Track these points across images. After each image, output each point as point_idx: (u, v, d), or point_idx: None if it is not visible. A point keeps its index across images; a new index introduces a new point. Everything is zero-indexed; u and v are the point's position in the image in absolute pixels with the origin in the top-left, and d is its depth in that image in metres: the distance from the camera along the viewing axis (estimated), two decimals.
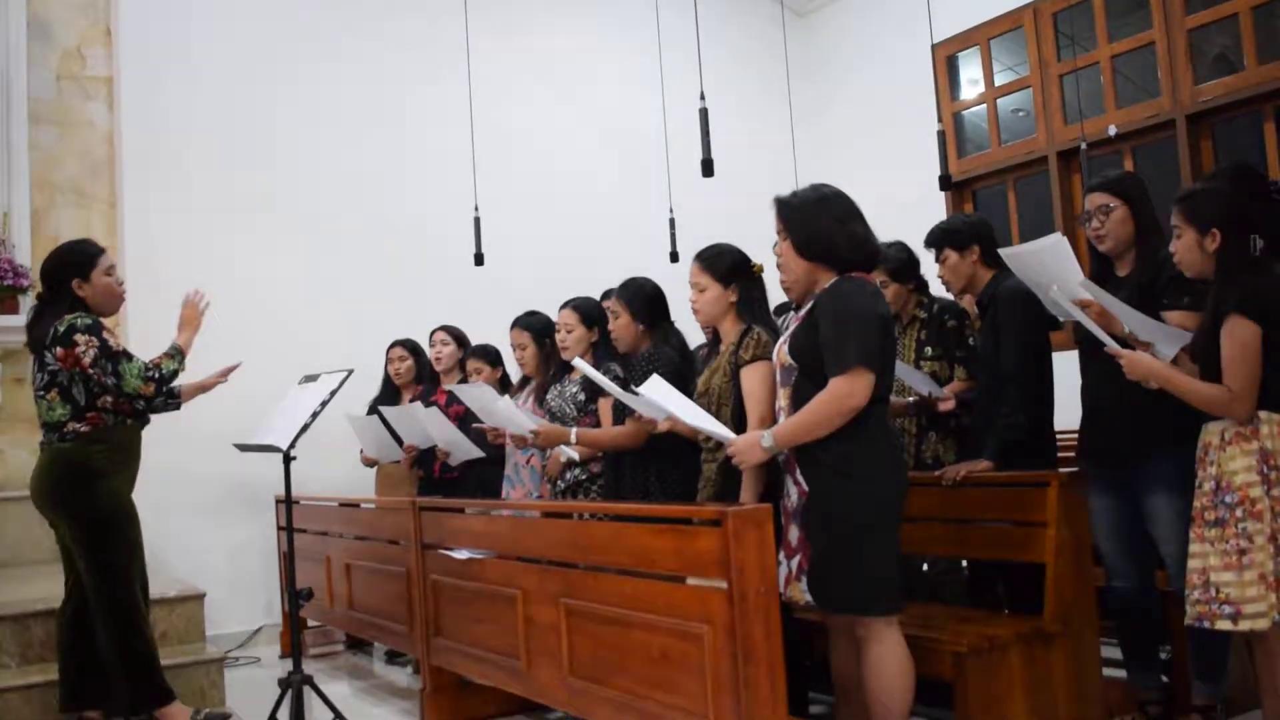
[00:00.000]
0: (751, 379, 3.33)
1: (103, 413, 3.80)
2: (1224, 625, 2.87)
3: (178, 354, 3.90)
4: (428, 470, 5.34)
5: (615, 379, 3.82)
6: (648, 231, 6.61)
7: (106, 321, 3.92)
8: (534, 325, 4.70)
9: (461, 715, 4.33)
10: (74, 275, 3.86)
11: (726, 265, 3.51)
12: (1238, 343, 2.85)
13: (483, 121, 6.54)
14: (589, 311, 4.23)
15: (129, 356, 3.79)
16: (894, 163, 7.10)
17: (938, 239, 4.00)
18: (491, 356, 5.26)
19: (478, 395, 4.33)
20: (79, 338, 3.71)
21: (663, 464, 3.72)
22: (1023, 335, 3.69)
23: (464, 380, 5.22)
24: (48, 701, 4.03)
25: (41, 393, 3.79)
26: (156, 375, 3.79)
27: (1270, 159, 5.63)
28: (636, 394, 3.37)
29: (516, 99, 7.26)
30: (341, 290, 6.50)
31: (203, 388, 4.23)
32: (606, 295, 4.41)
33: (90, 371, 3.72)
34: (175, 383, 3.92)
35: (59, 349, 3.72)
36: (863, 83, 7.91)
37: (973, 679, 3.14)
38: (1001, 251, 3.53)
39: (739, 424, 3.34)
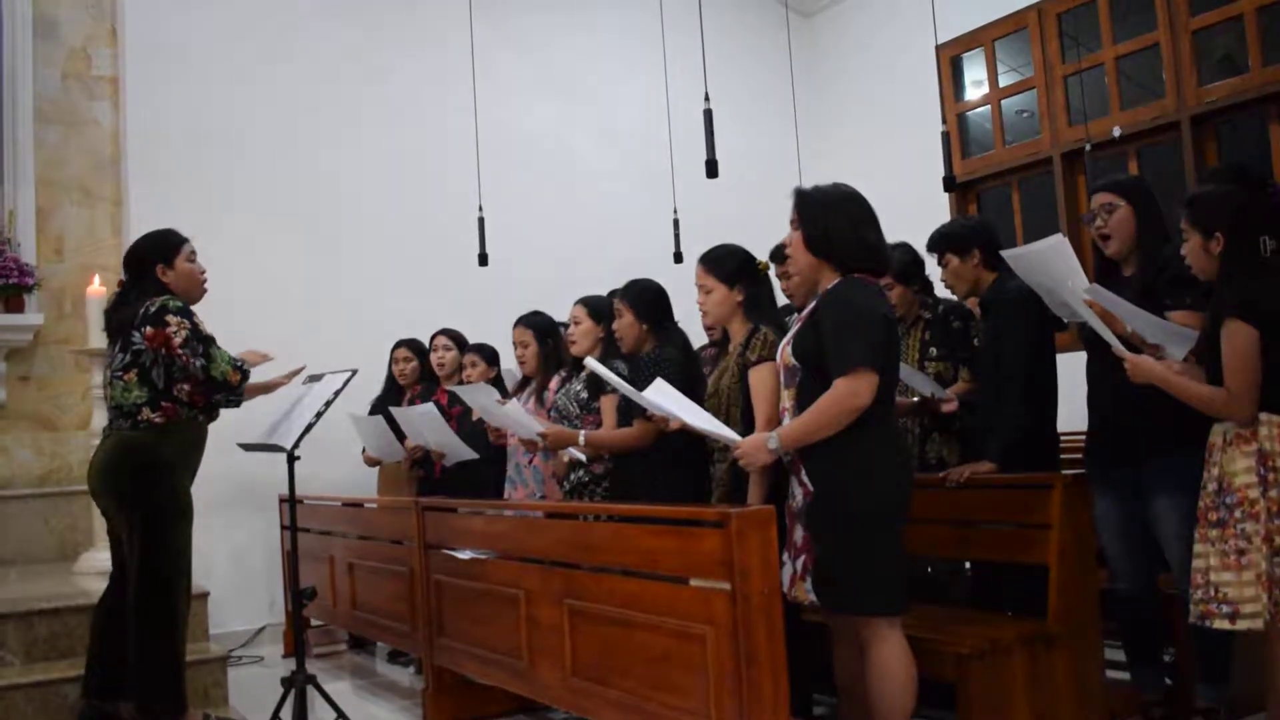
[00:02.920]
0: (759, 380, 3.33)
1: (178, 404, 3.79)
2: (1222, 625, 2.88)
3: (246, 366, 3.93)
4: (429, 470, 5.34)
5: (620, 377, 3.82)
6: (652, 232, 6.60)
7: None
8: (537, 324, 4.70)
9: (464, 715, 4.33)
10: (158, 260, 3.90)
11: (731, 266, 3.52)
12: (1235, 346, 2.86)
13: (487, 122, 6.55)
14: (598, 307, 4.24)
15: (216, 343, 3.82)
16: (898, 164, 7.09)
17: (938, 244, 4.00)
18: (488, 354, 5.26)
19: (477, 395, 4.33)
20: (171, 318, 3.72)
21: (673, 465, 3.72)
22: (1025, 337, 3.69)
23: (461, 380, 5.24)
24: (51, 700, 4.04)
25: (120, 373, 3.78)
26: (242, 366, 3.83)
27: (1275, 160, 5.62)
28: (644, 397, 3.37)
29: (521, 99, 7.26)
30: (345, 290, 6.51)
31: (266, 388, 4.17)
32: (613, 295, 4.41)
33: (179, 353, 3.72)
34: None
35: (148, 328, 3.72)
36: (867, 84, 7.91)
37: (976, 681, 3.14)
38: (1004, 253, 3.54)
39: (747, 424, 3.34)
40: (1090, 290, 3.16)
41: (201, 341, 3.75)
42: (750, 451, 3.00)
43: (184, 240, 3.99)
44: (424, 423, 4.91)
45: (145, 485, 3.74)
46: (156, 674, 3.73)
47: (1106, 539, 3.54)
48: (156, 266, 3.89)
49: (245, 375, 3.83)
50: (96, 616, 3.94)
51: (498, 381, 5.21)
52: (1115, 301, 3.14)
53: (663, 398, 3.25)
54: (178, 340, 3.71)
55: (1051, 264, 3.25)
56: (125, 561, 3.82)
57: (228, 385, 3.80)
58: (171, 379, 3.78)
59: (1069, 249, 3.20)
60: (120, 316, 3.84)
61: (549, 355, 4.65)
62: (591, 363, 3.71)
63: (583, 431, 3.98)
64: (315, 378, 4.06)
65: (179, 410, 3.80)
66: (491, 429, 4.65)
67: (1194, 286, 3.18)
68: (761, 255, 3.67)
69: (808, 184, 3.17)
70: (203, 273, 4.03)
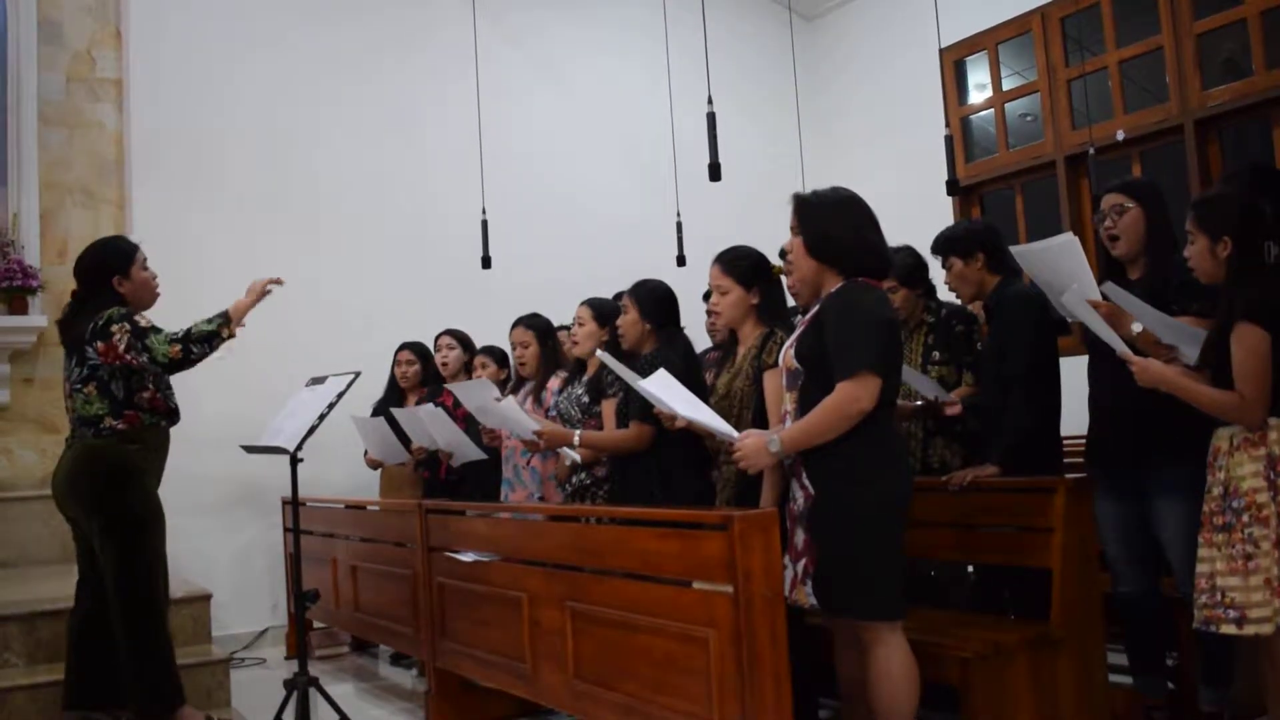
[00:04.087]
0: (774, 382, 3.32)
1: (140, 411, 3.81)
2: (1229, 629, 2.87)
3: (221, 318, 3.84)
4: (433, 472, 5.34)
5: (619, 379, 3.82)
6: (655, 235, 6.61)
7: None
8: (536, 325, 4.71)
9: (466, 718, 4.33)
10: (115, 272, 3.90)
11: (748, 267, 3.52)
12: (1248, 349, 2.84)
13: (491, 125, 6.55)
14: (603, 310, 4.25)
15: (156, 330, 3.79)
16: (901, 167, 7.09)
17: (942, 247, 4.00)
18: (498, 356, 5.28)
19: (475, 392, 4.33)
20: (114, 328, 3.74)
21: (671, 468, 3.72)
22: (1029, 340, 3.69)
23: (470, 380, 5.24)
24: (54, 701, 4.03)
25: (78, 386, 3.80)
26: (181, 336, 3.77)
27: (1279, 164, 5.61)
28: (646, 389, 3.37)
29: (524, 103, 7.27)
30: (348, 292, 6.51)
31: (247, 306, 3.97)
32: (619, 298, 4.42)
33: (127, 357, 3.73)
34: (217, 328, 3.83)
35: (99, 343, 3.74)
36: (870, 87, 7.91)
37: (979, 684, 3.13)
38: (1013, 249, 3.53)
39: (760, 426, 3.33)
40: (1106, 288, 3.15)
41: (140, 336, 3.75)
42: (751, 453, 3.00)
43: (136, 248, 4.01)
44: (431, 423, 4.91)
45: (115, 491, 3.77)
46: (151, 676, 3.77)
47: (1107, 542, 3.54)
48: (113, 278, 3.90)
49: (187, 340, 3.75)
50: (71, 626, 3.96)
51: (507, 383, 5.21)
52: (1130, 300, 3.13)
53: (662, 389, 3.25)
54: (122, 347, 3.73)
55: (1059, 263, 3.25)
56: (97, 569, 3.84)
57: (177, 363, 3.76)
58: (131, 389, 3.80)
59: (1079, 249, 3.20)
60: (75, 330, 3.85)
61: (547, 356, 4.65)
62: (602, 354, 3.73)
63: (578, 431, 3.98)
64: (318, 380, 4.07)
65: (141, 417, 3.82)
66: (485, 429, 4.65)
67: (1201, 293, 3.18)
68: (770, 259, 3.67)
69: (810, 188, 3.17)
70: (155, 279, 4.04)
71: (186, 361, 3.79)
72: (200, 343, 3.79)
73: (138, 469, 3.81)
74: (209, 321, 3.83)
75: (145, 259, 4.01)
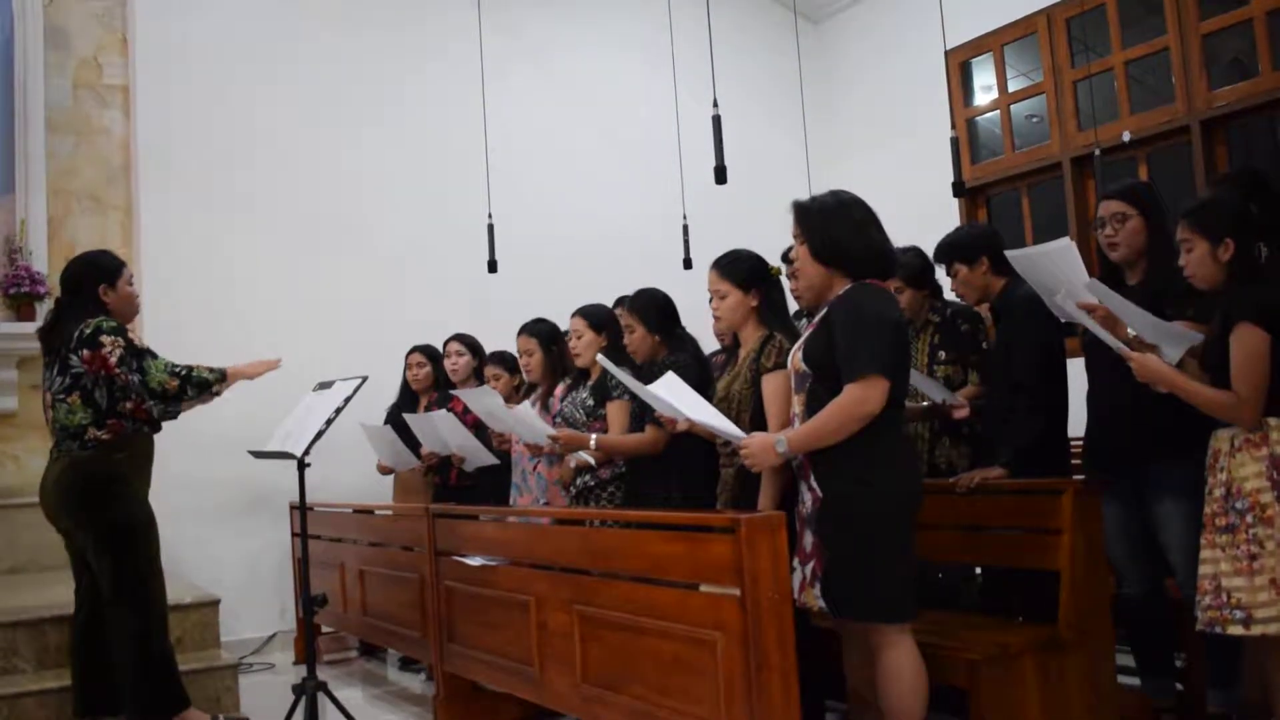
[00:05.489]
0: (772, 386, 3.32)
1: (123, 419, 3.82)
2: (1236, 630, 2.88)
3: (220, 375, 3.90)
4: (445, 477, 5.34)
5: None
6: (661, 238, 6.61)
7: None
8: (541, 332, 4.70)
9: None
10: (102, 282, 3.93)
11: (745, 270, 3.51)
12: (1246, 350, 2.85)
13: (496, 129, 6.56)
14: (597, 317, 4.24)
15: (154, 354, 3.84)
16: (907, 169, 7.08)
17: (945, 254, 3.99)
18: (509, 363, 5.27)
19: (480, 399, 4.34)
20: (105, 339, 3.75)
21: (685, 470, 3.72)
22: (1037, 342, 3.68)
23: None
24: (63, 707, 4.05)
25: (62, 396, 3.81)
26: (184, 373, 3.81)
27: None
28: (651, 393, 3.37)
29: (530, 106, 7.28)
30: (356, 297, 6.52)
31: (245, 374, 4.07)
32: (619, 303, 4.42)
33: (116, 371, 3.74)
34: (210, 381, 3.89)
35: (85, 351, 3.75)
36: (876, 89, 7.91)
37: (987, 687, 3.13)
38: (1008, 253, 3.52)
39: (759, 430, 3.33)
40: (1090, 285, 3.15)
41: (136, 356, 3.78)
42: (758, 452, 3.00)
43: (123, 263, 4.07)
44: (444, 427, 4.91)
45: (105, 502, 3.79)
46: (150, 682, 3.79)
47: (1110, 543, 3.52)
48: (99, 287, 3.92)
49: (186, 380, 3.81)
50: (73, 636, 3.98)
51: (520, 389, 5.21)
52: (1111, 296, 3.13)
53: (669, 391, 3.25)
54: (114, 360, 3.74)
55: (1055, 267, 3.25)
56: (92, 578, 3.86)
57: (167, 394, 3.80)
58: (114, 398, 3.81)
59: (1076, 254, 3.19)
60: (58, 338, 3.87)
61: (552, 362, 4.66)
62: (603, 360, 3.73)
63: (594, 435, 3.98)
64: (325, 385, 4.08)
65: (124, 425, 3.83)
66: (495, 433, 4.65)
67: (1197, 299, 3.17)
68: (771, 261, 3.67)
69: (817, 190, 3.17)
70: (137, 295, 4.10)
71: (177, 398, 3.84)
72: (196, 387, 3.85)
73: (126, 478, 3.83)
74: (211, 372, 3.88)
75: (131, 275, 4.06)
